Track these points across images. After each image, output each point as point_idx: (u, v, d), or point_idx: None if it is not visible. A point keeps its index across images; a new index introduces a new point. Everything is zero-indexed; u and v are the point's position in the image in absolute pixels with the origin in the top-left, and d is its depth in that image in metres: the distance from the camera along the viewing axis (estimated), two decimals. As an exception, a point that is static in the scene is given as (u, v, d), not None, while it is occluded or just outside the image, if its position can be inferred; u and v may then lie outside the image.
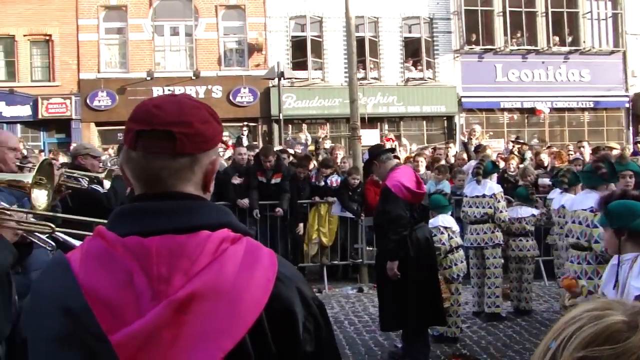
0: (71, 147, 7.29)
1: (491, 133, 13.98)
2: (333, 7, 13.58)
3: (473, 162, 7.16)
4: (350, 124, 7.56)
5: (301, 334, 0.89)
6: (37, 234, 2.25)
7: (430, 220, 4.45)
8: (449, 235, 4.55)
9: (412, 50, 15.19)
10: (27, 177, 2.11)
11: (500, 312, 5.13)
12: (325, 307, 0.95)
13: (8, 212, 1.92)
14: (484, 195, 5.19)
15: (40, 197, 2.13)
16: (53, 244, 2.67)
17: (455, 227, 4.71)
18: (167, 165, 0.91)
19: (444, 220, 4.61)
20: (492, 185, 5.22)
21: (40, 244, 2.48)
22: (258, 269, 0.88)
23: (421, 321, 3.83)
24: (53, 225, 1.98)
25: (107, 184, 3.88)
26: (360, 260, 6.83)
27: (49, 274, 0.92)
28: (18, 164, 3.13)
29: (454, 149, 9.46)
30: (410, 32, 15.12)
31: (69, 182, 3.52)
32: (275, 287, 0.88)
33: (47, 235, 2.04)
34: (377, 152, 4.00)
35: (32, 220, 2.10)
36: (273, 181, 6.64)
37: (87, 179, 3.77)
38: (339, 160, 7.69)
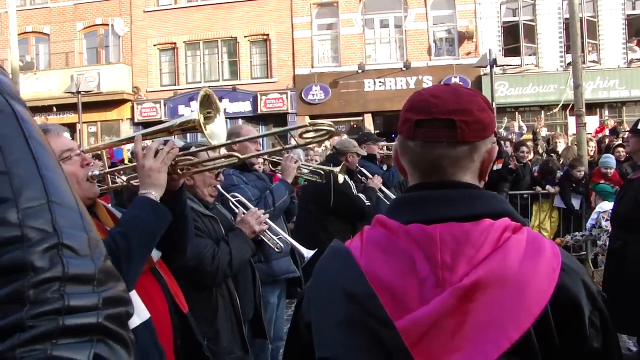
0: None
1: None
2: None
3: None
4: (574, 110, 9.71)
5: (587, 329, 1.15)
6: (267, 233, 3.46)
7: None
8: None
9: (636, 29, 19.09)
10: (194, 115, 2.47)
11: None
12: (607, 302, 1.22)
13: (189, 156, 2.52)
14: None
15: (215, 130, 2.58)
16: (281, 245, 3.63)
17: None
18: (446, 153, 1.25)
19: None
20: None
21: (269, 243, 3.50)
22: (542, 259, 1.17)
23: None
24: (239, 155, 2.65)
25: (341, 178, 5.11)
26: (584, 253, 8.48)
27: (331, 262, 1.30)
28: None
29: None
30: (634, 8, 19.90)
31: (305, 176, 4.79)
32: (561, 278, 1.15)
33: (234, 163, 2.69)
34: None
35: (218, 155, 2.79)
36: (495, 167, 8.56)
37: (322, 172, 4.97)
38: (559, 149, 10.64)
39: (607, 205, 7.28)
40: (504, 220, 1.22)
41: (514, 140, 13.06)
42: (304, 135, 2.44)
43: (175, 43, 21.92)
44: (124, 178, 2.69)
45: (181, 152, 2.44)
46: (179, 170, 2.42)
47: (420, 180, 1.31)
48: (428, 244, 1.20)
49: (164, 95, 21.95)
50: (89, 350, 0.63)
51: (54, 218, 0.69)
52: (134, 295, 2.11)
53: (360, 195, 5.56)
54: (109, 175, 2.57)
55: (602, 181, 8.13)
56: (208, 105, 2.60)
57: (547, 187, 9.18)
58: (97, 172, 2.31)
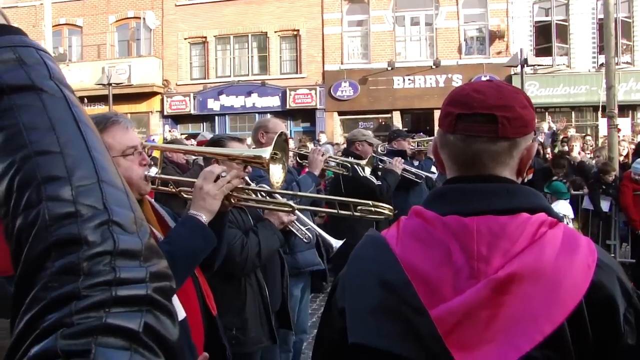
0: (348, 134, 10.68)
1: None
2: None
3: None
4: (606, 112, 9.49)
5: (622, 325, 1.16)
6: (295, 224, 3.38)
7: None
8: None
9: None
10: (265, 153, 2.60)
11: None
12: None
13: (248, 190, 2.60)
14: None
15: (276, 173, 2.68)
16: (310, 235, 3.64)
17: (571, 215, 7.56)
18: (487, 148, 1.26)
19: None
20: None
21: (298, 234, 3.53)
22: (578, 255, 1.18)
23: None
24: (293, 205, 2.78)
25: (367, 170, 5.22)
26: (613, 256, 8.34)
27: (367, 250, 1.33)
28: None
29: None
30: None
31: (332, 169, 4.84)
32: (596, 275, 1.16)
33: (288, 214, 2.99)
34: None
35: (272, 199, 2.86)
36: (526, 179, 10.22)
37: (348, 165, 5.04)
38: (574, 153, 10.50)
39: (562, 205, 7.48)
40: (541, 216, 1.24)
41: (545, 142, 13.21)
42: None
43: (205, 37, 22.06)
44: (175, 186, 2.71)
45: (241, 186, 2.51)
46: (231, 200, 2.46)
47: (459, 174, 1.33)
48: (464, 235, 1.21)
49: (193, 89, 22.10)
50: (139, 319, 0.67)
51: (104, 196, 0.73)
52: None
53: (369, 176, 5.48)
54: (159, 180, 2.61)
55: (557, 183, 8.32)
56: (280, 148, 2.71)
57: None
58: (152, 174, 2.36)
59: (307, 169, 4.70)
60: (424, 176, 6.59)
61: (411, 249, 1.25)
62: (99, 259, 0.69)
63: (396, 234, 1.30)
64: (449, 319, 1.16)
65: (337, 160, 5.08)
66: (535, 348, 1.13)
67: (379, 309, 1.22)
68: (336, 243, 3.75)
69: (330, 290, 1.42)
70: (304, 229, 3.58)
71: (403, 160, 6.36)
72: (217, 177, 2.35)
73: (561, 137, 12.98)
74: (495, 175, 1.29)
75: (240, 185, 2.52)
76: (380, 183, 5.47)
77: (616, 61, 18.37)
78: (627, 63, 19.93)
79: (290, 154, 5.29)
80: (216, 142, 3.36)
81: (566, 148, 11.13)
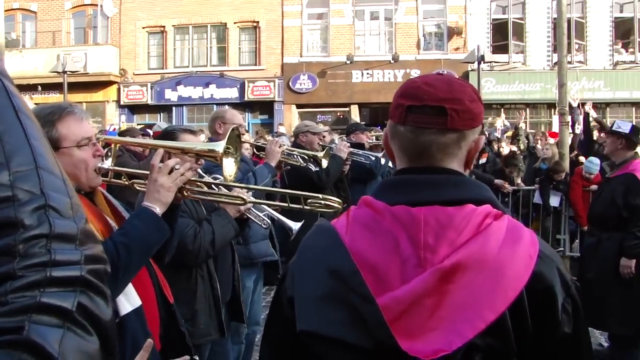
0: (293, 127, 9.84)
1: None
2: None
3: None
4: (558, 109, 9.63)
5: (560, 314, 1.23)
6: (252, 211, 3.36)
7: None
8: None
9: (623, 32, 19.78)
10: (218, 147, 2.66)
11: None
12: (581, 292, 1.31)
13: (200, 183, 2.66)
14: None
15: (228, 167, 2.74)
16: (268, 221, 3.63)
17: None
18: (435, 140, 1.30)
19: None
20: None
21: (256, 221, 3.52)
22: (521, 246, 1.23)
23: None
24: (245, 198, 2.86)
25: (325, 162, 5.21)
26: (562, 250, 8.82)
27: (316, 239, 1.35)
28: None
29: None
30: (621, 11, 20.02)
31: (289, 160, 4.77)
32: (537, 265, 1.22)
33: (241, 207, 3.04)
34: (637, 133, 5.24)
35: (224, 191, 2.91)
36: (480, 162, 9.39)
37: (305, 157, 5.04)
38: (540, 147, 11.77)
39: None
40: (486, 207, 1.28)
41: (498, 138, 13.15)
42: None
43: (164, 26, 21.81)
44: (128, 178, 2.72)
45: (193, 179, 2.55)
46: (184, 192, 2.50)
47: (408, 165, 1.36)
48: (412, 225, 1.25)
49: (151, 79, 21.84)
50: (73, 299, 0.69)
51: (41, 182, 0.75)
52: None
53: (310, 165, 5.41)
54: (112, 172, 2.61)
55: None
56: (234, 143, 2.74)
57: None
58: (106, 166, 2.38)
59: (264, 160, 4.67)
60: (373, 158, 6.62)
61: (360, 238, 1.28)
62: (35, 241, 0.71)
63: (346, 223, 1.32)
64: (396, 307, 1.19)
65: (295, 152, 5.08)
66: (478, 335, 1.17)
67: (328, 297, 1.24)
68: (295, 225, 3.75)
69: (279, 279, 1.43)
70: (261, 214, 3.56)
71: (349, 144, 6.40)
72: (171, 170, 2.37)
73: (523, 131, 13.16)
74: (444, 166, 1.33)
75: (193, 178, 2.55)
76: (317, 169, 5.44)
77: (569, 60, 18.98)
78: (580, 62, 20.31)
79: (247, 145, 5.30)
80: (169, 133, 3.35)
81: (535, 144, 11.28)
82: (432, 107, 1.29)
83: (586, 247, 5.61)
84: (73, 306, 0.69)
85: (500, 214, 1.28)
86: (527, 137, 12.34)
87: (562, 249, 8.99)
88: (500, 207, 1.32)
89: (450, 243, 1.22)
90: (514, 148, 10.74)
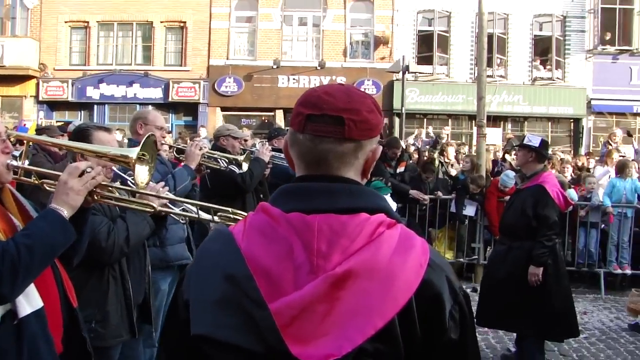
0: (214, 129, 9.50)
1: (622, 137, 17.68)
2: (462, 2, 20.29)
3: (607, 168, 10.52)
4: (476, 121, 10.13)
5: (447, 321, 1.28)
6: (169, 207, 3.26)
7: None
8: None
9: (542, 49, 20.76)
10: (132, 152, 2.65)
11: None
12: (470, 298, 1.38)
13: (111, 188, 2.66)
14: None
15: (142, 174, 2.72)
16: (186, 217, 3.58)
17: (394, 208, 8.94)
18: (333, 148, 1.33)
19: None
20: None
21: (176, 217, 3.56)
22: (411, 254, 1.28)
23: (545, 328, 5.19)
24: (155, 206, 2.89)
25: (245, 166, 5.25)
26: (476, 258, 9.31)
27: (213, 243, 1.38)
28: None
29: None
30: (541, 30, 20.62)
31: (209, 163, 4.76)
32: (427, 274, 1.27)
33: (150, 213, 2.99)
34: (546, 147, 5.57)
35: (134, 199, 2.92)
36: (398, 170, 9.39)
37: (227, 161, 5.05)
38: (450, 158, 11.16)
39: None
40: (380, 216, 1.31)
41: (422, 148, 13.59)
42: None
43: (88, 22, 21.21)
44: (38, 178, 2.66)
45: (104, 183, 2.53)
46: (94, 196, 2.47)
47: (306, 172, 1.38)
48: (306, 232, 1.27)
49: (72, 75, 21.21)
50: None
51: None
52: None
53: (232, 167, 5.44)
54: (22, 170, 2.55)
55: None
56: (149, 150, 2.73)
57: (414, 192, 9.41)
58: (16, 163, 2.35)
59: (183, 162, 4.64)
60: None
61: (255, 243, 1.30)
62: None
63: (242, 229, 1.34)
64: (288, 312, 1.22)
65: (215, 155, 5.05)
66: (367, 341, 1.20)
67: (222, 302, 1.26)
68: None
69: (177, 283, 1.45)
70: (177, 210, 3.48)
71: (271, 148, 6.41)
72: (82, 173, 2.35)
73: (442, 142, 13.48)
74: (340, 175, 1.36)
75: (104, 182, 2.53)
76: (240, 171, 5.44)
77: (490, 74, 19.46)
78: (501, 76, 20.92)
79: (166, 147, 5.27)
80: (82, 131, 3.26)
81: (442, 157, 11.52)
82: (331, 117, 1.32)
83: (496, 253, 5.81)
84: None
85: (393, 223, 1.32)
86: (436, 148, 12.58)
87: (476, 256, 9.31)
88: (395, 216, 1.36)
89: (343, 250, 1.25)
90: (438, 157, 11.00)
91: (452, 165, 11.29)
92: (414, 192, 9.10)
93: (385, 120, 20.86)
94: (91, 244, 2.71)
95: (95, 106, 21.31)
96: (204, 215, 2.98)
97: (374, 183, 8.12)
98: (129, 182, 3.15)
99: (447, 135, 16.84)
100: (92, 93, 21.12)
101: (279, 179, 6.47)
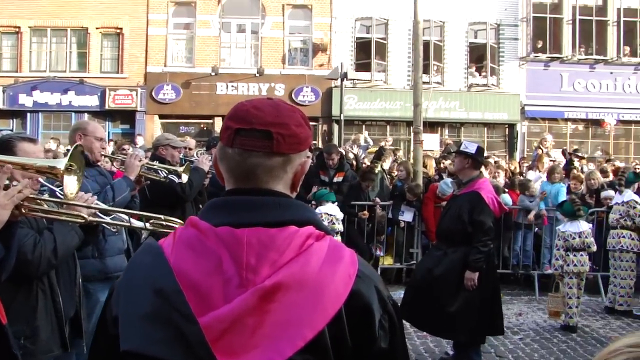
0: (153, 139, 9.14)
1: (553, 143, 18.15)
2: (399, 10, 20.54)
3: (539, 173, 11.36)
4: (413, 128, 10.29)
5: (377, 330, 1.31)
6: (99, 216, 3.19)
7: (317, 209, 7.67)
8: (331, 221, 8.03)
9: (477, 56, 21.04)
10: (59, 164, 2.62)
11: (631, 310, 8.06)
12: (399, 307, 1.43)
13: (39, 201, 2.65)
14: (622, 203, 8.30)
15: (70, 184, 2.70)
16: (117, 225, 3.50)
17: (340, 215, 8.35)
18: (261, 162, 1.35)
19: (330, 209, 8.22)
20: (631, 195, 8.36)
21: (107, 227, 3.57)
22: (340, 266, 1.30)
23: (480, 332, 5.45)
24: (86, 216, 2.88)
25: (185, 177, 5.26)
26: (415, 263, 9.22)
27: (142, 257, 1.37)
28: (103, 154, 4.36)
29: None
30: (476, 37, 20.89)
31: (148, 174, 4.77)
32: (356, 284, 1.29)
33: (80, 224, 3.00)
34: (482, 154, 5.80)
35: (63, 210, 2.90)
36: (335, 180, 9.29)
37: (166, 172, 5.07)
38: (387, 165, 11.31)
39: (330, 207, 8.13)
40: (309, 228, 1.33)
41: (359, 154, 13.71)
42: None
43: (19, 27, 20.64)
44: None
45: (32, 196, 2.48)
46: (22, 209, 2.43)
47: (235, 186, 1.39)
48: (235, 246, 1.28)
49: (3, 82, 20.55)
50: None
51: None
52: None
53: (171, 177, 5.36)
54: None
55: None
56: (77, 160, 2.71)
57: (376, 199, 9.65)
58: None
59: (123, 173, 4.59)
60: None
61: (184, 257, 1.30)
62: None
63: (172, 243, 1.34)
64: (217, 326, 1.22)
65: (154, 167, 5.03)
66: (298, 352, 1.22)
67: (151, 316, 1.25)
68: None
69: (106, 297, 1.42)
70: (107, 219, 3.38)
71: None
72: (7, 186, 2.30)
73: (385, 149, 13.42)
74: (269, 189, 1.38)
75: (32, 195, 2.49)
76: (179, 181, 5.39)
77: (427, 80, 19.75)
78: (438, 83, 21.28)
79: (105, 157, 5.23)
80: (5, 142, 3.13)
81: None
82: (259, 131, 1.34)
83: (430, 257, 5.84)
84: None
85: (322, 235, 1.34)
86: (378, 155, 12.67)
87: (414, 261, 9.36)
88: (324, 228, 1.38)
89: (272, 263, 1.26)
90: (378, 165, 11.03)
91: (389, 173, 11.40)
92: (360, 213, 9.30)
93: (324, 127, 21.09)
94: (17, 258, 2.65)
95: (29, 114, 20.72)
96: (136, 223, 2.95)
97: (319, 192, 8.35)
98: (57, 193, 3.11)
99: (387, 143, 16.79)
100: (25, 100, 20.54)
101: (218, 188, 6.46)
